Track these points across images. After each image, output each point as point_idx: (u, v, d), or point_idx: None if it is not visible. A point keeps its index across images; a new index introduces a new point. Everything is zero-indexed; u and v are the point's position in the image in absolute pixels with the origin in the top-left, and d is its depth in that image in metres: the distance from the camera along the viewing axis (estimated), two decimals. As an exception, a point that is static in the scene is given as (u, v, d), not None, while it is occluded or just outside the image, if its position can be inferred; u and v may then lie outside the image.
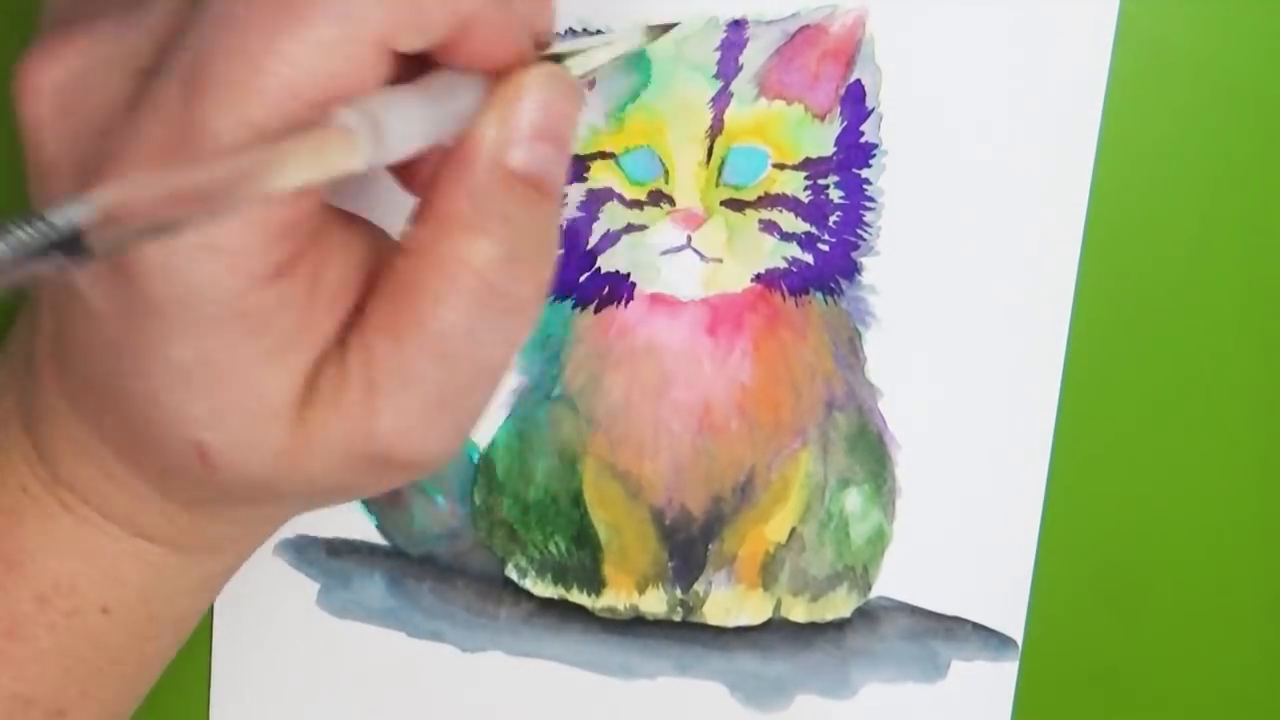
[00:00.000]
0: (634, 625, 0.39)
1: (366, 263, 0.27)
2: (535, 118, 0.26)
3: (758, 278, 0.37)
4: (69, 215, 0.20)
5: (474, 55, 0.26)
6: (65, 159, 0.26)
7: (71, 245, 0.20)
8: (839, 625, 0.38)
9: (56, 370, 0.28)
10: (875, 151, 0.36)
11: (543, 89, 0.26)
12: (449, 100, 0.26)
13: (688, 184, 0.36)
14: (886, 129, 0.36)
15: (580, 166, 0.36)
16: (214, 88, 0.24)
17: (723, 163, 0.36)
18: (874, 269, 0.37)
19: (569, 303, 0.37)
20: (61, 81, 0.26)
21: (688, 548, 0.38)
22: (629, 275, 0.37)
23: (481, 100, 0.26)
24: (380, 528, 0.39)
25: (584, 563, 0.39)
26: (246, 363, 0.25)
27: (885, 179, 0.36)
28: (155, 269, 0.24)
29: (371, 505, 0.39)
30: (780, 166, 0.36)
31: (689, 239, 0.36)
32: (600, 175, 0.36)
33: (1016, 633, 0.38)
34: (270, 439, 0.26)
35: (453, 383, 0.27)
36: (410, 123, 0.25)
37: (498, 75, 0.27)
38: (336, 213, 0.27)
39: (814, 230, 0.37)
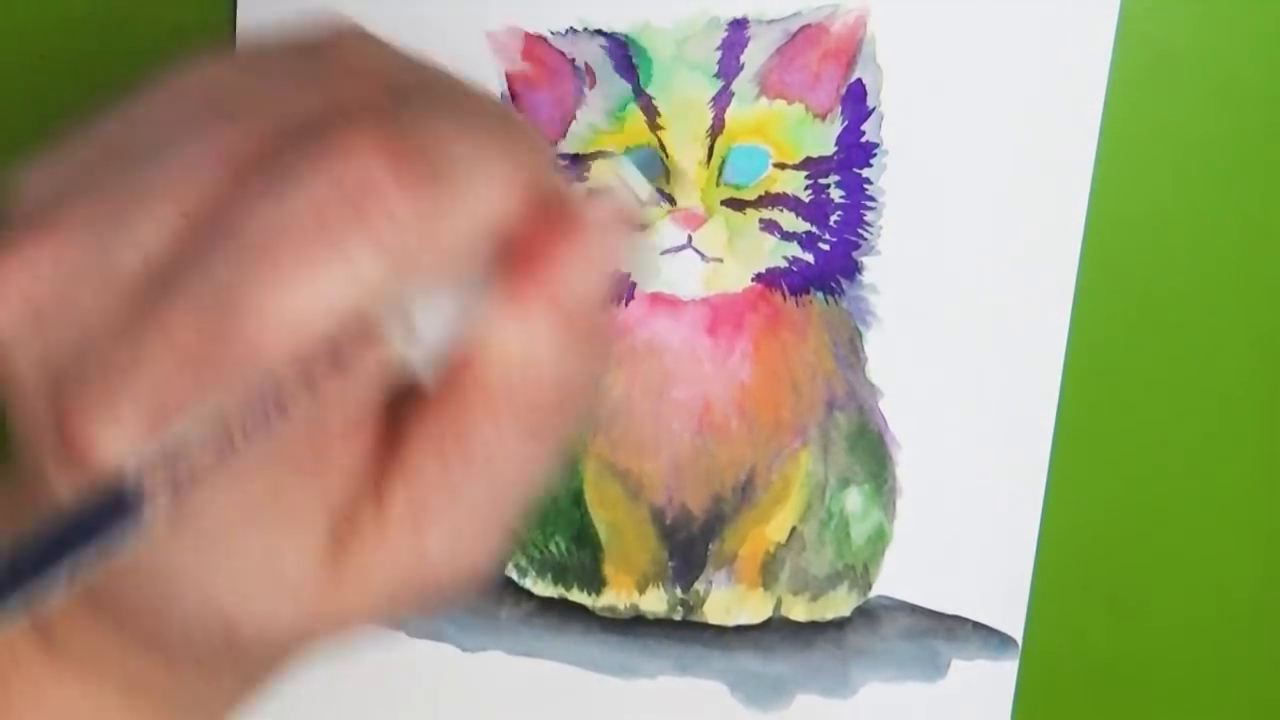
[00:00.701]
0: (634, 624, 0.39)
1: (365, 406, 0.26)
2: (595, 253, 0.25)
3: (758, 277, 0.37)
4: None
5: (514, 243, 0.25)
6: (41, 375, 0.24)
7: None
8: (839, 624, 0.38)
9: None
10: (876, 151, 0.36)
11: (604, 228, 0.25)
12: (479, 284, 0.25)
13: (688, 183, 0.36)
14: (887, 128, 0.36)
15: (580, 166, 0.36)
16: (241, 319, 0.23)
17: (723, 162, 0.36)
18: (875, 268, 0.37)
19: (569, 302, 0.37)
20: (32, 290, 0.24)
21: (688, 547, 0.38)
22: (629, 275, 0.37)
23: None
24: (380, 528, 0.39)
25: (584, 562, 0.38)
26: (256, 535, 0.25)
27: (886, 178, 0.36)
28: None
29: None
30: (781, 166, 0.36)
31: (689, 238, 0.36)
32: (601, 175, 0.36)
33: (1016, 632, 0.38)
34: (300, 598, 0.25)
35: (507, 506, 0.26)
36: (436, 315, 0.24)
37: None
38: None
39: (815, 230, 0.36)
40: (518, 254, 0.25)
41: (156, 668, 0.28)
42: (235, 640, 0.26)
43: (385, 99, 0.25)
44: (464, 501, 0.25)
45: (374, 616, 0.27)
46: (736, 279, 0.37)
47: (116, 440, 0.23)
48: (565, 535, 0.38)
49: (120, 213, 0.24)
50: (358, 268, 0.23)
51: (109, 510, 0.18)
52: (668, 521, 0.38)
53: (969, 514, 0.38)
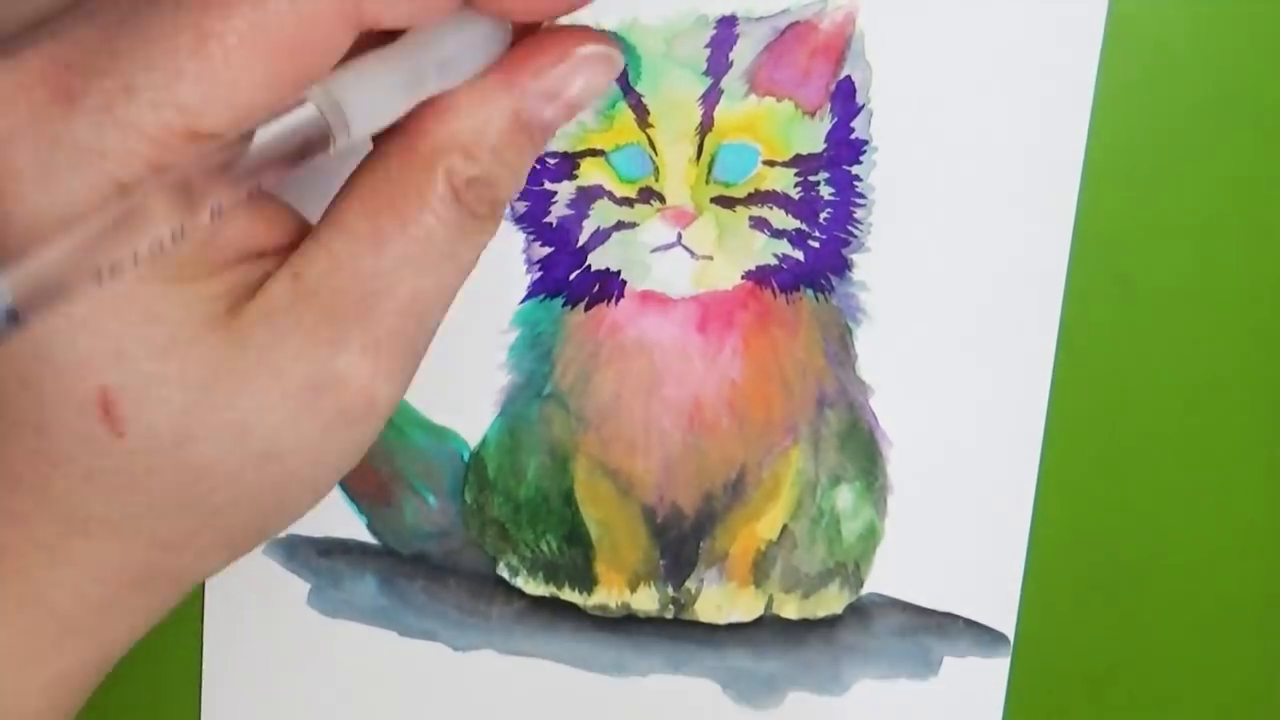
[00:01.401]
0: (626, 623, 0.39)
1: (279, 223, 0.26)
2: (567, 83, 0.26)
3: (748, 275, 0.37)
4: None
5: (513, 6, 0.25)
6: None
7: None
8: (831, 622, 0.38)
9: None
10: (865, 148, 0.36)
11: (594, 68, 0.26)
12: (452, 57, 0.25)
13: (678, 181, 0.36)
14: (877, 125, 0.36)
15: (570, 164, 0.36)
16: (146, 68, 0.22)
17: (713, 160, 0.36)
18: (865, 266, 0.37)
19: (559, 300, 0.37)
20: None
21: (679, 545, 0.38)
22: (619, 273, 0.37)
23: (499, 48, 0.26)
24: (371, 527, 0.39)
25: (575, 561, 0.38)
26: (139, 290, 0.23)
27: (876, 175, 0.36)
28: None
29: (362, 504, 0.38)
30: (770, 163, 0.36)
31: (679, 236, 0.36)
32: (590, 173, 0.36)
33: (1008, 629, 0.38)
34: (186, 367, 0.23)
35: (425, 299, 0.25)
36: (385, 98, 0.24)
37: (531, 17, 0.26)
38: None
39: (804, 227, 0.36)
40: (513, 46, 0.26)
41: (30, 481, 0.25)
42: (114, 425, 0.23)
43: None
44: (384, 278, 0.24)
45: (280, 420, 0.24)
46: (726, 276, 0.37)
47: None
48: (556, 534, 0.38)
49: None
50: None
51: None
52: (659, 520, 0.38)
53: (960, 511, 0.38)
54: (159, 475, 0.24)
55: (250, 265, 0.25)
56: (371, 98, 0.23)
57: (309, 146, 0.23)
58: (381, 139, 0.26)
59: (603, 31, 0.27)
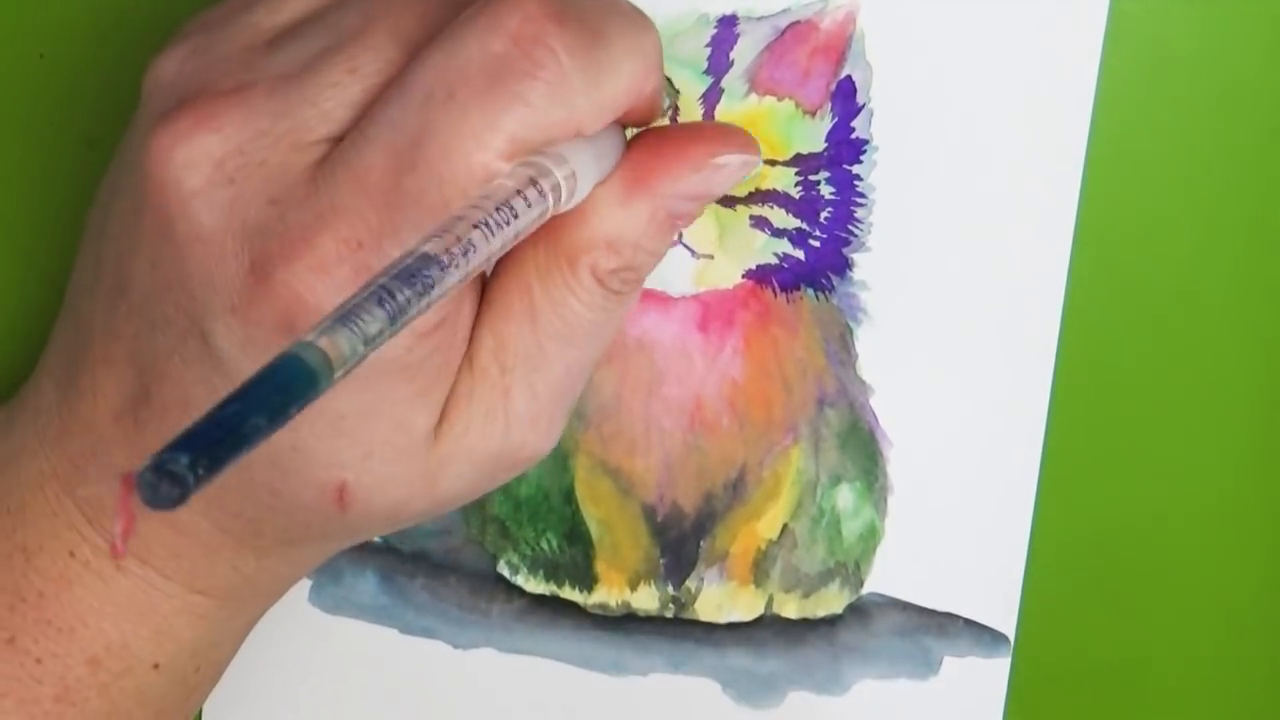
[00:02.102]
0: (626, 622, 0.39)
1: (478, 290, 0.28)
2: (705, 189, 0.29)
3: (749, 274, 0.37)
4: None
5: (628, 117, 0.28)
6: (226, 228, 0.26)
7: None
8: (831, 621, 0.38)
9: (134, 431, 0.28)
10: (866, 147, 0.36)
11: (723, 173, 0.29)
12: (608, 149, 0.27)
13: (679, 180, 0.36)
14: (877, 125, 0.36)
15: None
16: (430, 161, 0.24)
17: (713, 159, 0.36)
18: (865, 265, 0.37)
19: (560, 299, 0.37)
20: (220, 151, 0.26)
21: (679, 544, 0.38)
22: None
23: (620, 145, 0.28)
24: (372, 525, 0.39)
25: (576, 559, 0.39)
26: (400, 404, 0.27)
27: (876, 175, 0.36)
28: None
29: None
30: (771, 162, 0.36)
31: (680, 235, 0.36)
32: None
33: (1009, 629, 0.38)
34: (411, 468, 0.27)
35: (579, 368, 0.29)
36: (588, 174, 0.26)
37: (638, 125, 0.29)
38: None
39: (805, 226, 0.37)
40: (642, 146, 0.28)
41: (222, 557, 0.29)
42: (344, 507, 0.28)
43: None
44: (545, 368, 0.28)
45: (466, 491, 0.29)
46: (727, 275, 0.37)
47: (320, 280, 0.25)
48: (556, 533, 0.38)
49: (301, 84, 0.26)
50: (534, 113, 0.25)
51: (297, 370, 0.18)
52: (659, 519, 0.38)
53: (961, 511, 0.37)
54: (357, 528, 0.29)
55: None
56: (580, 160, 0.26)
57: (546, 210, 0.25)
58: (524, 243, 0.28)
59: (735, 129, 0.29)
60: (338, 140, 0.26)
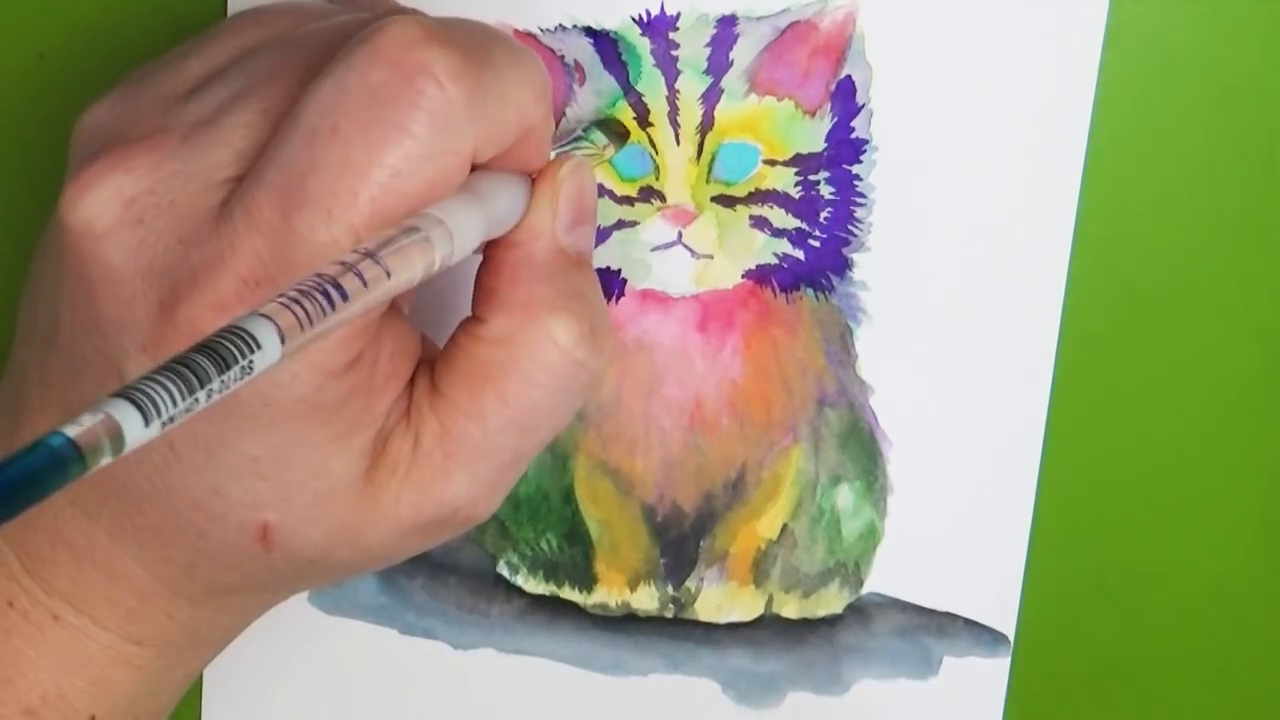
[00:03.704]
0: (626, 622, 0.39)
1: (411, 343, 0.28)
2: (578, 204, 0.29)
3: (749, 274, 0.37)
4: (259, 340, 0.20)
5: (522, 160, 0.28)
6: (135, 268, 0.26)
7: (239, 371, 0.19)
8: (831, 622, 0.38)
9: None
10: (866, 147, 0.36)
11: (577, 178, 0.29)
12: (495, 200, 0.27)
13: (678, 180, 0.36)
14: (877, 125, 0.36)
15: (571, 163, 0.36)
16: (317, 198, 0.24)
17: (713, 159, 0.36)
18: (865, 265, 0.37)
19: (560, 299, 0.37)
20: (130, 192, 0.26)
21: (679, 544, 0.38)
22: (620, 271, 0.37)
23: (523, 196, 0.28)
24: (372, 525, 0.39)
25: (575, 560, 0.39)
26: (316, 447, 0.27)
27: (876, 175, 0.36)
28: None
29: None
30: (771, 163, 0.36)
31: (680, 235, 0.36)
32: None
33: (1008, 629, 0.38)
34: (334, 514, 0.27)
35: (525, 449, 0.28)
36: (471, 226, 0.26)
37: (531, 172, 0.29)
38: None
39: (805, 226, 0.37)
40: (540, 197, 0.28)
41: (156, 605, 0.29)
42: (269, 547, 0.28)
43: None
44: (494, 456, 0.28)
45: (395, 548, 0.29)
46: (727, 275, 0.37)
47: (221, 320, 0.24)
48: (556, 533, 0.38)
49: (214, 125, 0.26)
50: (418, 143, 0.24)
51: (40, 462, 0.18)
52: (659, 519, 0.38)
53: (960, 511, 0.37)
54: (287, 574, 0.29)
55: (388, 418, 0.28)
56: (464, 226, 0.25)
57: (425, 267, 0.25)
58: (475, 329, 0.28)
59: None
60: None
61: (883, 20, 0.35)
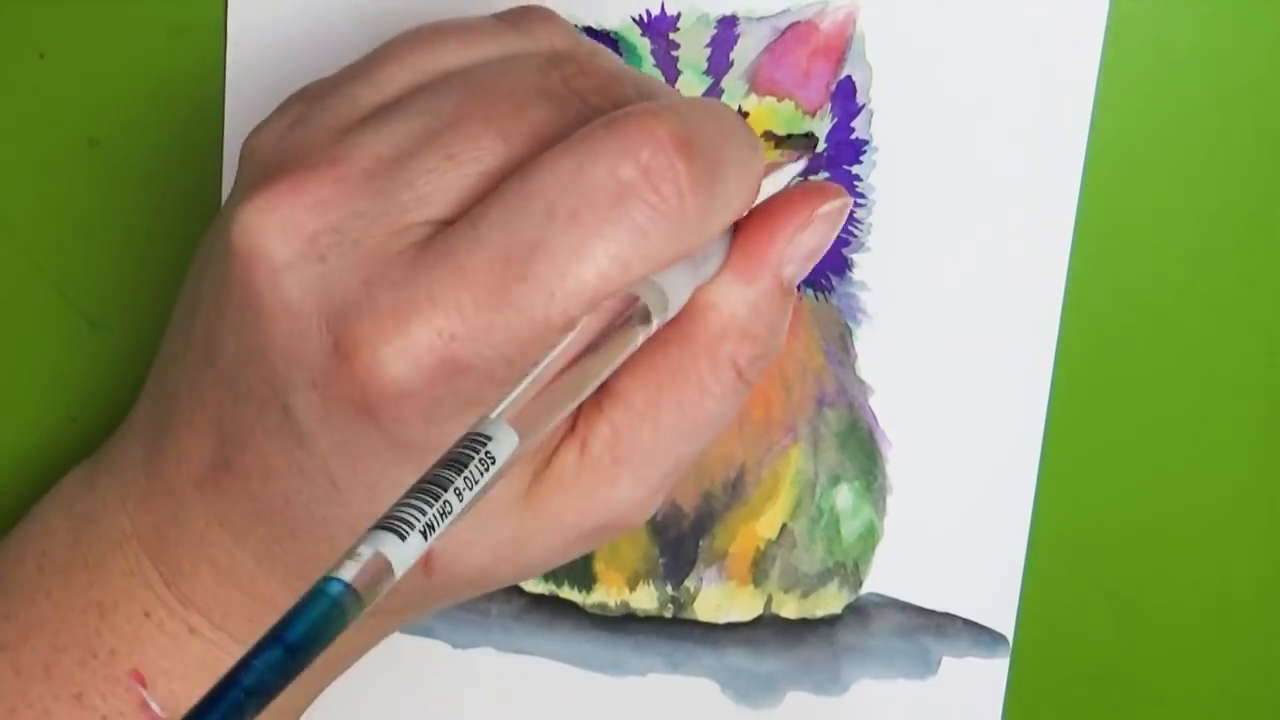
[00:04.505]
0: (625, 622, 0.39)
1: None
2: (816, 242, 0.29)
3: (748, 274, 0.37)
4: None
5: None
6: (314, 305, 0.25)
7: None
8: (830, 621, 0.38)
9: (215, 498, 0.28)
10: (866, 148, 0.36)
11: (833, 222, 0.29)
12: (707, 261, 0.28)
13: (678, 180, 0.36)
14: (877, 125, 0.36)
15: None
16: (544, 276, 0.24)
17: (713, 159, 0.36)
18: (865, 265, 0.37)
19: (560, 299, 0.37)
20: (313, 226, 0.26)
21: (678, 544, 0.38)
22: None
23: (726, 244, 0.28)
24: (371, 524, 0.39)
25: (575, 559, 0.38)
26: None
27: (876, 175, 0.36)
28: None
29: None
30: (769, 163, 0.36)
31: None
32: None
33: (1007, 629, 0.38)
34: (498, 532, 0.27)
35: (688, 456, 0.29)
36: (682, 286, 0.27)
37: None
38: None
39: (804, 226, 0.37)
40: (743, 229, 0.28)
41: None
42: (428, 572, 0.28)
43: (636, 95, 0.28)
44: (662, 461, 0.28)
45: (555, 558, 0.29)
46: (726, 275, 0.37)
47: (406, 366, 0.25)
48: (556, 532, 0.38)
49: (399, 166, 0.26)
50: (651, 245, 0.25)
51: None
52: (658, 518, 0.38)
53: (960, 511, 0.38)
54: (442, 594, 0.29)
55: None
56: (674, 283, 0.26)
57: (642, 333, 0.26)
58: (650, 344, 0.28)
59: (818, 185, 0.29)
60: (432, 225, 0.26)
61: (883, 21, 0.35)
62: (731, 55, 0.36)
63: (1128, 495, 0.38)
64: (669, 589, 0.39)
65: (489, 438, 0.20)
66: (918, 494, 0.38)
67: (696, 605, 0.39)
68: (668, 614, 0.39)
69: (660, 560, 0.38)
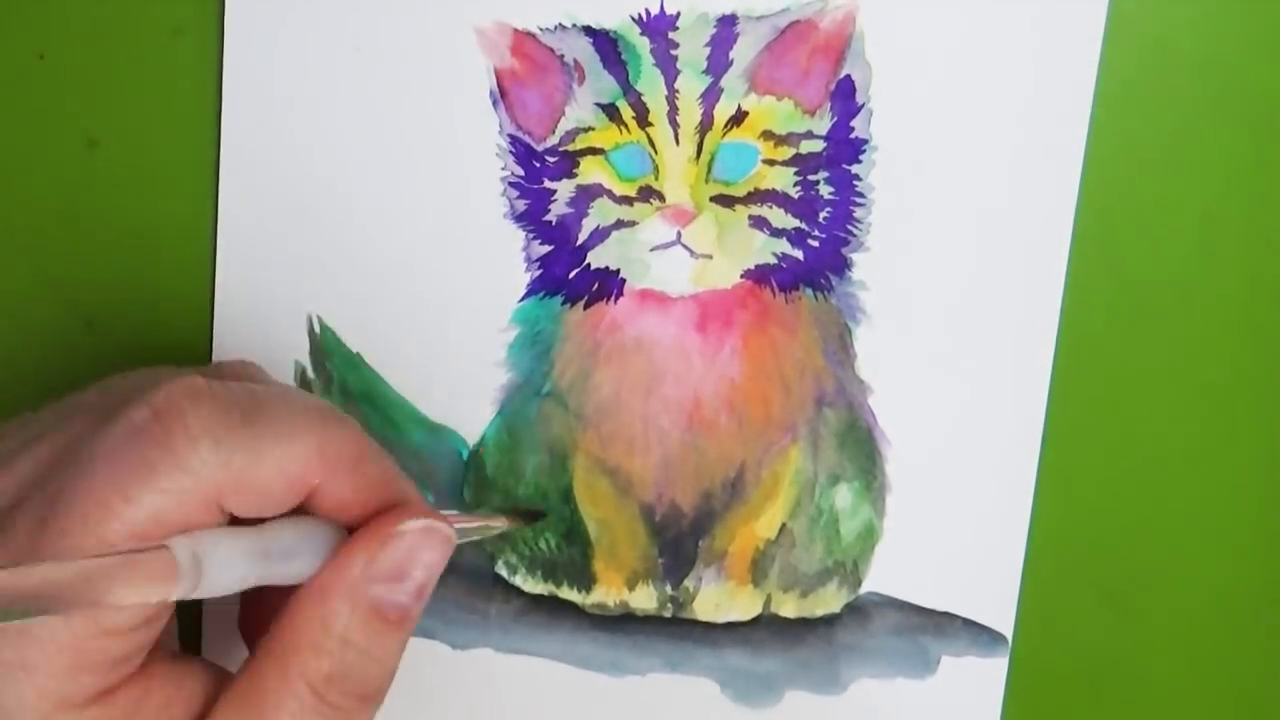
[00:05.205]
0: (624, 622, 0.39)
1: (195, 695, 0.29)
2: (400, 563, 0.29)
3: (747, 273, 0.37)
4: None
5: (330, 511, 0.29)
6: None
7: None
8: (829, 621, 0.38)
9: None
10: (865, 147, 0.36)
11: (417, 539, 0.29)
12: (291, 547, 0.28)
13: (677, 180, 0.36)
14: (876, 124, 0.36)
15: (570, 162, 0.36)
16: (61, 521, 0.26)
17: (713, 158, 0.36)
18: (864, 265, 0.37)
19: (559, 299, 0.37)
20: None
21: (677, 544, 0.38)
22: (619, 271, 0.37)
23: (336, 544, 0.29)
24: (370, 524, 0.39)
25: (574, 559, 0.38)
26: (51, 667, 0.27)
27: (875, 174, 0.36)
28: None
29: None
30: (770, 162, 0.36)
31: (679, 235, 0.36)
32: (590, 171, 0.36)
33: (1006, 628, 0.38)
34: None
35: None
36: (235, 563, 0.27)
37: (365, 521, 0.29)
38: (168, 650, 0.29)
39: (804, 226, 0.37)
40: (338, 549, 0.28)
41: None
42: None
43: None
44: None
45: None
46: (726, 275, 0.37)
47: None
48: (555, 532, 0.38)
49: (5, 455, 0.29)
50: (159, 478, 0.26)
51: None
52: (657, 518, 0.38)
53: (959, 510, 0.37)
54: None
55: None
56: (222, 559, 0.27)
57: (162, 589, 0.26)
58: (258, 644, 0.29)
59: (423, 505, 0.30)
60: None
61: (882, 20, 0.35)
62: (731, 54, 0.36)
63: (1126, 494, 0.38)
64: (668, 589, 0.38)
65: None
66: (917, 494, 0.38)
67: (696, 605, 0.38)
68: (667, 614, 0.39)
69: (659, 560, 0.38)
